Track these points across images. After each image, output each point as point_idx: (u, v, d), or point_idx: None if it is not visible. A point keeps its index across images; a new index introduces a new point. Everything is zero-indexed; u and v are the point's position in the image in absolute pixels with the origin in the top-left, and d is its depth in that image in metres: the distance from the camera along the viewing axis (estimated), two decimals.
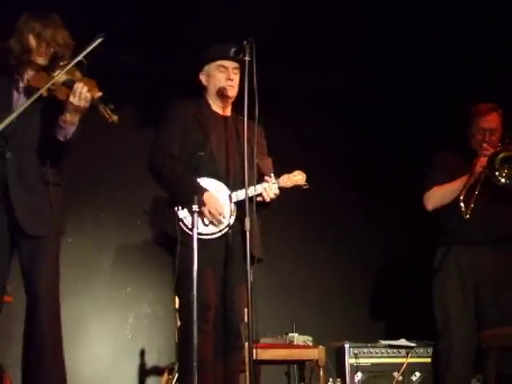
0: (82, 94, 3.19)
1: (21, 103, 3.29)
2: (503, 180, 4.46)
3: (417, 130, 5.61)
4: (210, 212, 3.63)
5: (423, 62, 5.49)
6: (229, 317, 3.69)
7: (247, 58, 3.54)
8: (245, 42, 3.56)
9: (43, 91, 3.18)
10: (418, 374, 4.78)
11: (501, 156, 4.44)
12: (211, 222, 3.66)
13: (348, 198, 5.81)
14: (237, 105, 3.88)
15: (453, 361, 4.48)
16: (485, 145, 4.51)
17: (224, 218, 3.67)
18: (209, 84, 3.90)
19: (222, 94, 3.86)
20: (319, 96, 5.66)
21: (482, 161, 4.46)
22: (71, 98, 3.19)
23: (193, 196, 3.47)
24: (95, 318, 5.21)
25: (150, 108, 5.09)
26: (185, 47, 5.03)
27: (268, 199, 3.76)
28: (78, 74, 3.24)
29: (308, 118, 5.72)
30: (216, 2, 4.80)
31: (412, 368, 4.79)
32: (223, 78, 3.84)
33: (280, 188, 3.79)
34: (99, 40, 3.19)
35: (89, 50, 3.20)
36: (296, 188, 3.86)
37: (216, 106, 3.92)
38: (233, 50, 3.70)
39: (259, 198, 3.74)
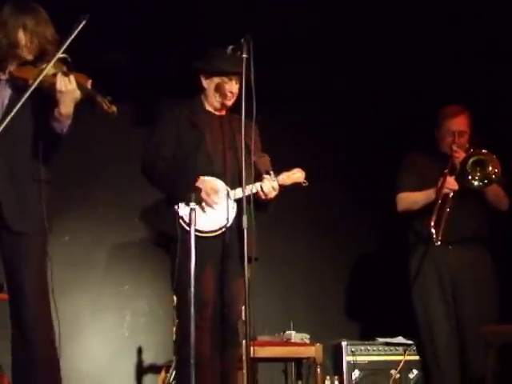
0: (66, 77, 3.13)
1: (10, 96, 3.22)
2: (476, 183, 4.50)
3: (409, 129, 5.61)
4: (206, 192, 3.66)
5: (417, 63, 5.49)
6: (226, 314, 3.70)
7: (245, 56, 3.55)
8: (242, 40, 3.57)
9: (36, 82, 3.12)
10: (415, 371, 4.79)
11: (472, 160, 4.48)
12: (208, 205, 3.68)
13: (346, 197, 5.81)
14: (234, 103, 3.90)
15: (440, 361, 4.52)
16: (454, 147, 4.55)
17: (219, 198, 3.69)
18: (209, 88, 3.91)
19: (220, 102, 3.89)
20: (315, 94, 5.66)
21: (449, 182, 4.50)
22: (57, 85, 3.12)
23: (188, 189, 3.54)
24: (92, 315, 5.21)
25: (147, 105, 5.10)
26: (180, 46, 5.03)
27: (263, 196, 3.77)
28: (64, 68, 3.21)
29: (302, 115, 5.72)
30: (211, 1, 4.80)
31: (409, 365, 4.80)
32: (224, 90, 3.86)
33: (279, 186, 3.81)
34: (83, 22, 3.11)
35: (75, 32, 3.12)
36: (295, 186, 3.87)
37: (212, 108, 3.95)
38: (230, 47, 3.70)
39: (260, 193, 3.76)
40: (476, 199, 4.60)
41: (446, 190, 4.50)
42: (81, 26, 3.12)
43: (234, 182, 3.77)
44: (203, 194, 3.66)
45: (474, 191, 4.54)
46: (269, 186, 3.76)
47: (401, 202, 4.70)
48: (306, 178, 3.89)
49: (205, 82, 3.92)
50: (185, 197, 3.59)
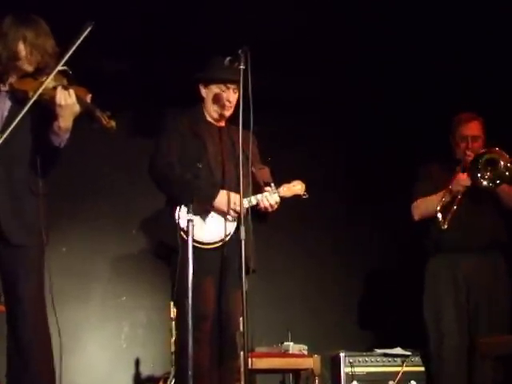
0: (66, 91, 3.15)
1: (9, 108, 3.23)
2: (485, 183, 4.50)
3: (413, 139, 5.62)
4: (231, 208, 3.68)
5: (417, 72, 5.51)
6: (224, 325, 3.70)
7: (242, 67, 3.55)
8: (239, 51, 3.56)
9: (36, 95, 3.13)
10: (413, 382, 4.77)
11: (484, 158, 4.48)
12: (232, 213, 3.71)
13: (343, 207, 5.81)
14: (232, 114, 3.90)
15: (445, 366, 4.51)
16: (468, 152, 4.57)
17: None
18: (207, 98, 3.92)
19: (219, 112, 3.90)
20: (313, 105, 5.67)
21: (461, 177, 4.52)
22: (57, 99, 3.14)
23: (213, 192, 3.65)
24: (90, 327, 5.20)
25: (146, 116, 5.10)
26: (179, 55, 5.04)
27: (264, 209, 3.77)
28: (64, 81, 3.23)
29: (300, 127, 5.73)
30: (210, 12, 4.81)
31: (407, 376, 4.79)
32: (222, 98, 3.87)
33: (280, 198, 3.81)
34: (89, 28, 3.13)
35: (80, 39, 3.14)
36: (295, 198, 3.87)
37: (211, 118, 3.95)
38: (228, 58, 3.71)
39: (261, 206, 3.76)
40: (491, 203, 4.60)
41: (458, 187, 4.51)
42: (87, 31, 3.14)
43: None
44: (229, 209, 3.69)
45: (483, 191, 4.53)
46: (270, 198, 3.77)
47: (416, 209, 4.69)
48: (305, 190, 3.90)
49: (203, 92, 3.93)
50: (208, 197, 3.66)
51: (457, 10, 4.84)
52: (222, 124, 3.97)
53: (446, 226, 4.49)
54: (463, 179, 4.52)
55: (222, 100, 3.87)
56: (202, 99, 3.95)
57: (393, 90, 5.66)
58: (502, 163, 4.43)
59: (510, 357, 4.00)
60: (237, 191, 3.65)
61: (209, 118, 3.95)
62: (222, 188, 3.77)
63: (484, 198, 4.59)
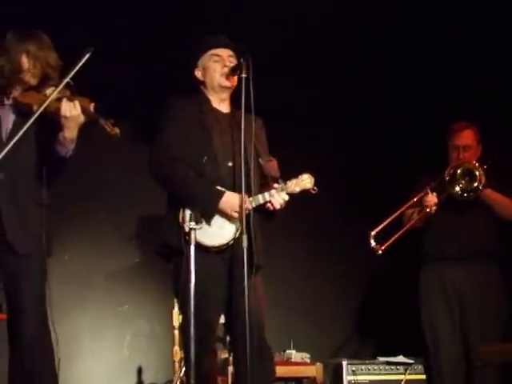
0: (71, 103, 3.19)
1: (14, 121, 3.29)
2: (457, 188, 4.52)
3: (413, 141, 5.64)
4: (235, 211, 3.44)
5: (416, 73, 5.50)
6: (250, 327, 3.27)
7: (244, 75, 3.48)
8: (241, 59, 3.49)
9: (41, 108, 3.16)
10: None
11: (463, 168, 4.53)
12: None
13: (348, 212, 5.81)
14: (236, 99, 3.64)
15: (444, 379, 4.52)
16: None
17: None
18: (205, 78, 3.70)
19: (220, 84, 3.67)
20: (311, 106, 5.68)
21: (428, 198, 4.53)
22: (62, 111, 3.18)
23: (215, 200, 3.42)
24: (92, 335, 5.19)
25: (142, 124, 5.09)
26: (179, 57, 5.03)
27: (277, 207, 3.53)
28: (67, 93, 3.25)
29: (302, 128, 5.73)
30: (207, 15, 4.80)
31: None
32: (219, 67, 3.65)
33: (288, 194, 3.57)
34: (88, 55, 3.16)
35: (80, 65, 3.17)
36: (304, 193, 3.62)
37: (216, 102, 3.69)
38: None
39: (268, 205, 3.54)
40: (480, 210, 4.60)
41: (426, 208, 4.52)
42: (85, 58, 3.17)
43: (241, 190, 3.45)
44: (233, 212, 3.44)
45: (474, 202, 4.54)
46: (278, 198, 3.53)
47: (406, 221, 4.71)
48: (315, 184, 3.65)
49: (200, 74, 3.71)
50: (210, 205, 3.44)
51: (459, 11, 4.83)
52: (228, 110, 3.72)
53: (380, 252, 4.46)
54: (429, 200, 4.53)
55: (219, 68, 3.64)
56: (201, 84, 3.72)
57: (392, 90, 5.67)
58: (475, 183, 4.48)
59: (509, 365, 4.00)
60: (246, 188, 3.42)
61: (214, 105, 3.68)
62: (233, 181, 3.51)
63: (471, 206, 4.59)
